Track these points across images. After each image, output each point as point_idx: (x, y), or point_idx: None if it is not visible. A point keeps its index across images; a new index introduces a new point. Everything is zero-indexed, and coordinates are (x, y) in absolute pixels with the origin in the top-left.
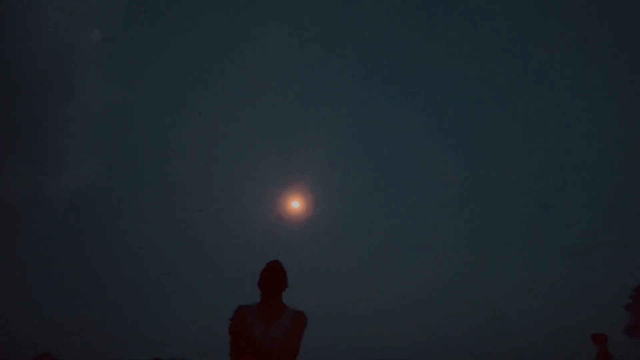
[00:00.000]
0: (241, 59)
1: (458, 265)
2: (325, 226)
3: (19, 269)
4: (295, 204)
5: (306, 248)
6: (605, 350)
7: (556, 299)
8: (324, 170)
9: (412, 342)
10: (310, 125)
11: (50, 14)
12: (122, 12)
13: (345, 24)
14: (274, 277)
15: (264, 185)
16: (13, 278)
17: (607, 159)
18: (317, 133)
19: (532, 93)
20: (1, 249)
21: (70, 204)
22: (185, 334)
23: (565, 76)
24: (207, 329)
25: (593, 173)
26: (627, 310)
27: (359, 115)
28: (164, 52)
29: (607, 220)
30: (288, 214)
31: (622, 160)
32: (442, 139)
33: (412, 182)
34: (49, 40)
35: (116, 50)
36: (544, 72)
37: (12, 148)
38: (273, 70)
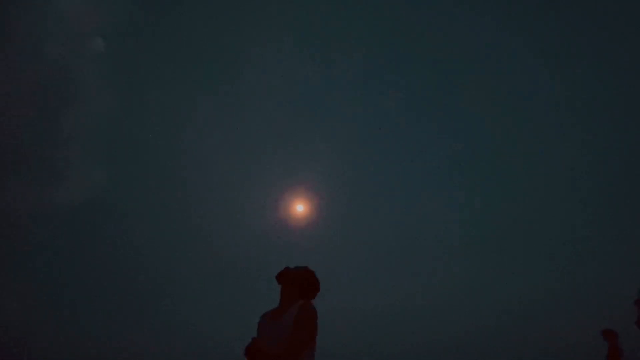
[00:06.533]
0: (244, 65)
1: (463, 266)
2: (330, 229)
3: (23, 281)
4: (300, 207)
5: (311, 251)
6: (616, 345)
7: (564, 296)
8: (329, 174)
9: (416, 344)
10: (314, 129)
11: (52, 23)
12: (125, 22)
13: (349, 27)
14: (286, 275)
15: (268, 190)
16: (17, 289)
17: (611, 153)
18: (321, 137)
19: (534, 92)
20: (5, 260)
21: (74, 214)
22: (193, 340)
23: (567, 75)
24: (216, 334)
25: (596, 169)
26: (636, 305)
27: (364, 118)
28: (166, 61)
29: (613, 216)
30: (293, 218)
31: (626, 155)
32: (446, 141)
33: (417, 185)
34: (50, 50)
35: (118, 60)
36: (548, 75)
37: (13, 159)
38: (276, 75)
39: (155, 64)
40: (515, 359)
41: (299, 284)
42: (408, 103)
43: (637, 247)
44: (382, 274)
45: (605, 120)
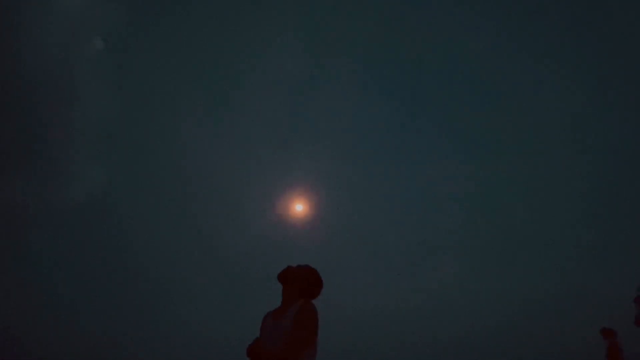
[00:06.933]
0: (244, 66)
1: (463, 267)
2: (329, 229)
3: (23, 281)
4: (299, 207)
5: (311, 251)
6: (615, 344)
7: (564, 296)
8: (329, 174)
9: (416, 344)
10: (314, 129)
11: (52, 23)
12: (125, 21)
13: (348, 28)
14: (287, 274)
15: (268, 190)
16: (17, 289)
17: (612, 151)
18: (321, 137)
19: (534, 93)
20: (5, 260)
21: (74, 214)
22: (194, 340)
23: (567, 76)
24: (217, 334)
25: (596, 169)
26: (635, 302)
27: (364, 118)
28: (166, 61)
29: (613, 216)
30: (292, 218)
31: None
32: (446, 141)
33: (417, 185)
34: (51, 50)
35: (119, 60)
36: (547, 76)
37: (13, 159)
38: (276, 75)
39: (155, 64)
40: (515, 359)
41: (299, 283)
42: (407, 103)
43: (637, 247)
44: (382, 274)
45: (605, 120)
